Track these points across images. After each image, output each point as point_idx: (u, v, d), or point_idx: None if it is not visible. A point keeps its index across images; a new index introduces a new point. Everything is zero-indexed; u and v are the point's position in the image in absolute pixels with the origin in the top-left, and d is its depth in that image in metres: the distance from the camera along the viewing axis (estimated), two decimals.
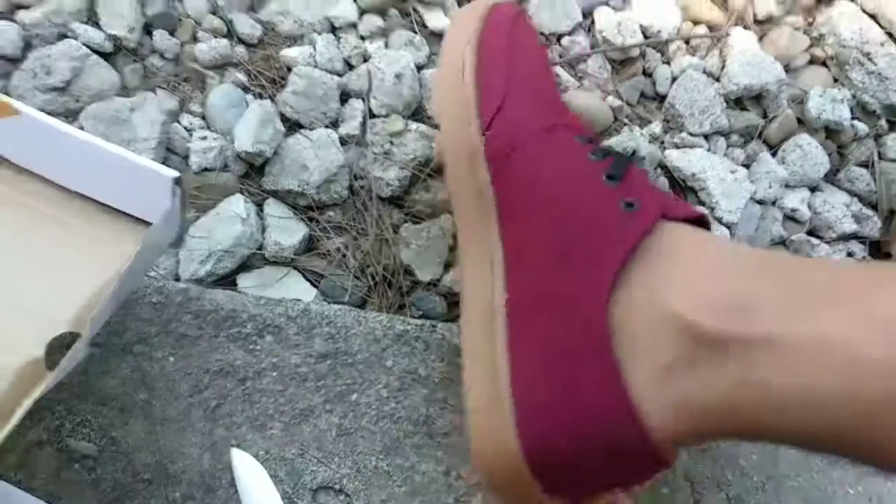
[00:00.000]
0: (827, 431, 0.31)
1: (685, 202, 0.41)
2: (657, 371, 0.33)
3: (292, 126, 0.57)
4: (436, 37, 0.60)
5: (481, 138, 0.43)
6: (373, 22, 0.60)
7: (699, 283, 0.34)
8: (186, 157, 0.55)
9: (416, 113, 0.58)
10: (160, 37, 0.57)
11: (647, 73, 0.62)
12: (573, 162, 0.41)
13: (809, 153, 0.60)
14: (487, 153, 0.43)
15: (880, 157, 0.63)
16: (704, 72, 0.62)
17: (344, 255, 0.54)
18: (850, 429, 0.30)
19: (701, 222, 0.40)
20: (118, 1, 0.56)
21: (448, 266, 0.55)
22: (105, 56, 0.57)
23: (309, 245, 0.55)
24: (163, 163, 0.55)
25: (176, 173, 0.38)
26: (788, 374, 0.30)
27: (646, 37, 0.62)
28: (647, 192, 0.39)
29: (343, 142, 0.57)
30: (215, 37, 0.58)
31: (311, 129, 0.56)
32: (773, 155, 0.61)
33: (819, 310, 0.31)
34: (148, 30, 0.58)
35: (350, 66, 0.59)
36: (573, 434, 0.34)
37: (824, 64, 0.65)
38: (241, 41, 0.59)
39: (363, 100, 0.58)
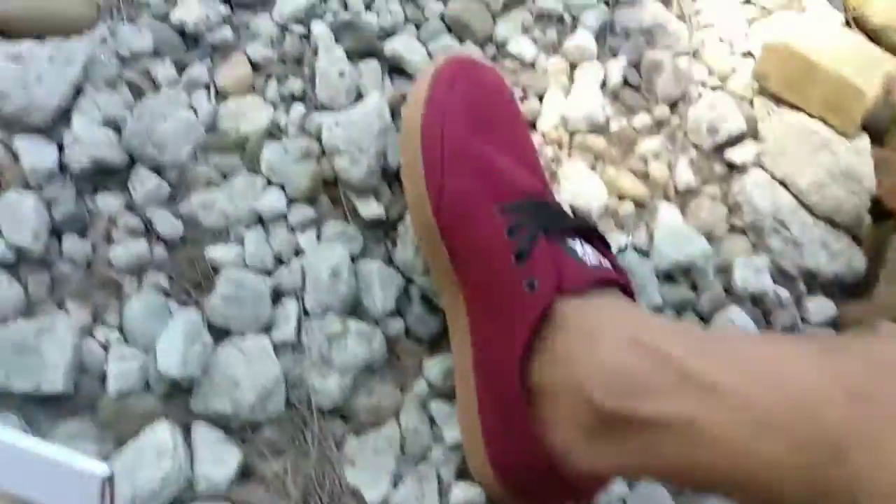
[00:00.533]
0: (703, 492, 0.43)
1: (585, 267, 0.46)
2: (574, 431, 0.42)
3: (220, 333, 0.53)
4: (369, 226, 0.58)
5: (434, 218, 0.49)
6: (303, 212, 0.57)
7: (594, 361, 0.41)
8: (103, 378, 0.50)
9: (354, 310, 0.56)
10: (70, 242, 0.52)
11: None
12: (493, 240, 0.47)
13: (742, 326, 0.62)
14: (440, 230, 0.49)
15: (803, 321, 0.65)
16: (635, 249, 0.63)
17: (283, 482, 0.50)
18: (717, 491, 0.39)
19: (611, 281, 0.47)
20: (20, 204, 0.51)
21: (397, 481, 0.52)
22: (6, 267, 0.51)
23: (244, 471, 0.50)
24: (75, 387, 0.50)
25: (106, 471, 0.34)
26: (661, 450, 0.38)
27: (574, 216, 0.62)
28: (547, 270, 0.45)
29: (276, 348, 0.53)
30: (132, 236, 0.54)
31: (242, 336, 0.52)
32: None
33: (685, 391, 0.38)
34: (56, 233, 0.53)
35: (280, 261, 0.56)
36: (514, 465, 0.46)
37: (743, 231, 0.67)
38: (160, 240, 0.55)
39: (297, 298, 0.55)
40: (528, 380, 0.44)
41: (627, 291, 0.48)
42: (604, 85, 0.69)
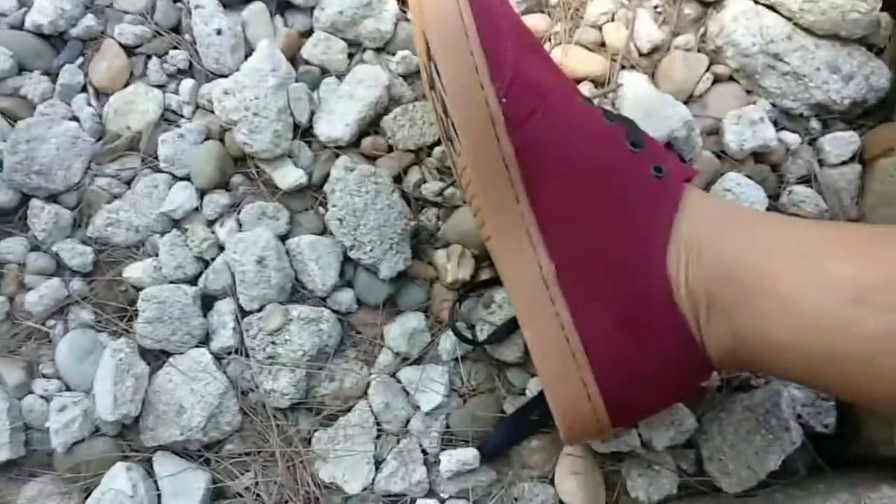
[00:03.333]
0: (791, 376, 0.38)
1: (682, 163, 0.45)
2: (702, 319, 0.38)
3: (159, 355, 0.49)
4: (291, 195, 0.52)
5: (499, 105, 0.41)
6: (217, 201, 0.51)
7: (712, 248, 0.38)
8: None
9: (294, 292, 0.50)
10: None
11: None
12: (593, 125, 0.42)
13: (742, 194, 0.52)
14: (508, 120, 0.41)
15: (821, 164, 0.55)
16: None
17: (258, 496, 0.47)
18: (807, 376, 0.37)
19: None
20: None
21: (379, 464, 0.48)
22: None
23: (215, 494, 0.47)
24: (27, 447, 0.48)
25: None
26: (758, 329, 0.36)
27: None
28: (668, 157, 0.43)
29: (219, 358, 0.49)
30: (45, 277, 0.50)
31: (180, 355, 0.49)
32: None
33: (786, 271, 0.36)
34: None
35: (205, 262, 0.51)
36: (651, 377, 0.40)
37: (731, 79, 0.56)
38: (74, 273, 0.51)
39: (232, 298, 0.50)
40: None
41: None
42: None
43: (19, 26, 0.55)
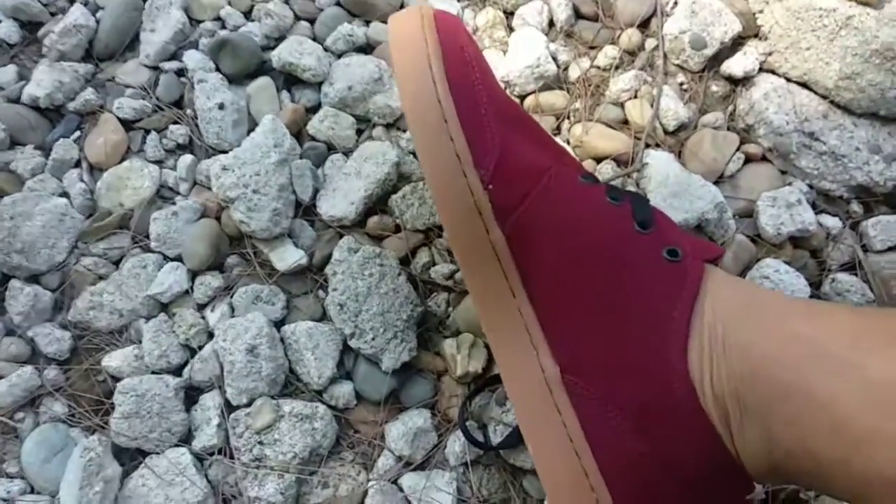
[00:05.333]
0: (843, 495, 0.31)
1: (704, 240, 0.41)
2: (733, 425, 0.32)
3: (134, 454, 0.44)
4: (289, 278, 0.48)
5: (485, 193, 0.36)
6: (209, 283, 0.48)
7: (737, 340, 0.33)
8: None
9: (287, 385, 0.46)
10: None
11: None
12: (594, 207, 0.37)
13: (780, 282, 0.48)
14: (496, 208, 0.36)
15: (865, 250, 0.51)
16: None
17: None
18: (862, 497, 0.29)
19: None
20: None
21: None
22: None
23: None
24: None
25: None
26: (797, 440, 0.30)
27: None
28: (682, 238, 0.37)
29: (201, 459, 0.44)
30: (18, 365, 0.46)
31: (157, 455, 0.44)
32: None
33: (821, 371, 0.30)
34: None
35: (192, 351, 0.47)
36: (680, 495, 0.33)
37: (765, 158, 0.53)
38: (50, 360, 0.46)
39: (218, 390, 0.45)
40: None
41: None
42: (552, 25, 0.56)
43: (16, 100, 0.53)
